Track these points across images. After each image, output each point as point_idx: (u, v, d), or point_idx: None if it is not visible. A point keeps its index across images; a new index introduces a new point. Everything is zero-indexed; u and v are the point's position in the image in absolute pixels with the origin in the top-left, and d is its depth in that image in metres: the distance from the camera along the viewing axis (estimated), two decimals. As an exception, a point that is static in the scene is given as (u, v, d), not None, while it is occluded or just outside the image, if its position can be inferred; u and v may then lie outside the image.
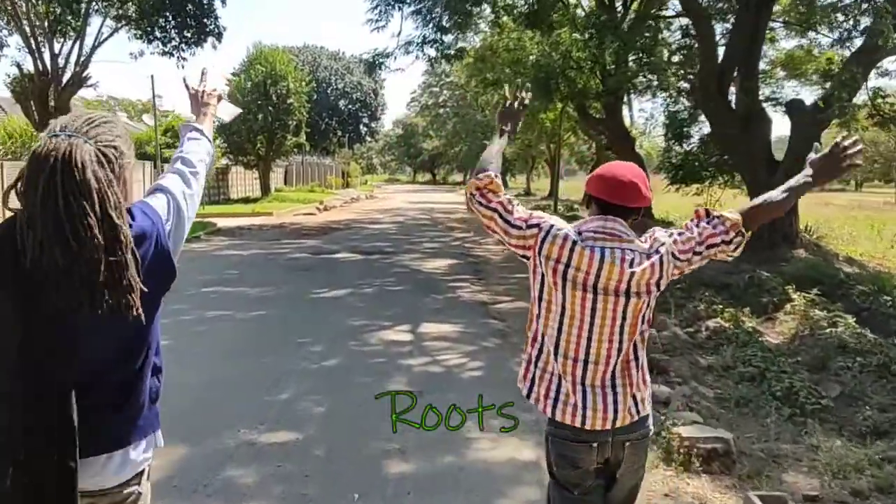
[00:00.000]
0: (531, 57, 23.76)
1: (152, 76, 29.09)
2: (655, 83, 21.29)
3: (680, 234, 2.25)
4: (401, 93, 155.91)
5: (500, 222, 2.23)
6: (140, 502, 1.78)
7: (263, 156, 34.59)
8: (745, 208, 2.31)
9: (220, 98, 2.31)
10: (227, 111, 2.40)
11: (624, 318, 2.16)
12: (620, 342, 2.18)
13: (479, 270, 12.36)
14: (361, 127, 78.25)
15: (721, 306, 8.37)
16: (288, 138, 34.24)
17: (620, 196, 2.18)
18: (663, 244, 2.20)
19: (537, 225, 2.20)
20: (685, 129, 21.48)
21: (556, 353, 2.20)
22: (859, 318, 7.98)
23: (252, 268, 12.04)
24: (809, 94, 14.72)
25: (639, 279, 2.13)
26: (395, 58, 16.70)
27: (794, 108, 12.34)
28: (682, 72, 19.51)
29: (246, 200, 34.27)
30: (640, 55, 20.65)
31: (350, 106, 78.20)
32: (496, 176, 2.28)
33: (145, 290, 1.56)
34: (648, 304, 2.20)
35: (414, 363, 6.36)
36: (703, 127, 21.40)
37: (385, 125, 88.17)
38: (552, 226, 2.19)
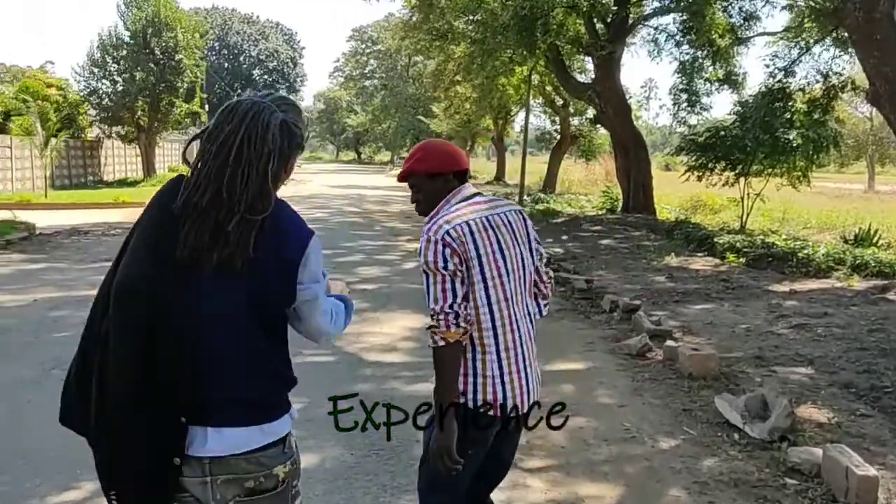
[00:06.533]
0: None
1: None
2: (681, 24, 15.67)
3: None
4: (322, 63, 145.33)
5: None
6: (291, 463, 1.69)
7: (146, 126, 27.33)
8: None
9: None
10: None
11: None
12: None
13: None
14: (278, 99, 70.95)
15: None
16: (177, 104, 27.08)
17: (464, 159, 2.24)
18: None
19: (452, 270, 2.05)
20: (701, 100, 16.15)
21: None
22: None
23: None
24: None
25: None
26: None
27: None
28: None
29: (123, 183, 27.04)
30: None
31: (266, 76, 70.69)
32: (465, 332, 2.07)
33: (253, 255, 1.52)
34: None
35: None
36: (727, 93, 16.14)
37: (305, 99, 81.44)
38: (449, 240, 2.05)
